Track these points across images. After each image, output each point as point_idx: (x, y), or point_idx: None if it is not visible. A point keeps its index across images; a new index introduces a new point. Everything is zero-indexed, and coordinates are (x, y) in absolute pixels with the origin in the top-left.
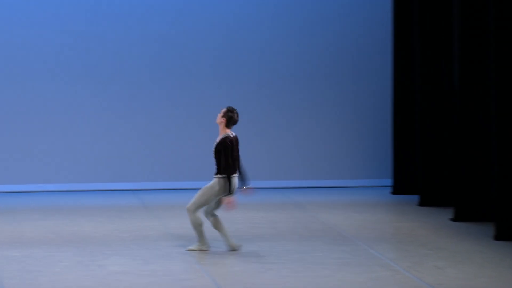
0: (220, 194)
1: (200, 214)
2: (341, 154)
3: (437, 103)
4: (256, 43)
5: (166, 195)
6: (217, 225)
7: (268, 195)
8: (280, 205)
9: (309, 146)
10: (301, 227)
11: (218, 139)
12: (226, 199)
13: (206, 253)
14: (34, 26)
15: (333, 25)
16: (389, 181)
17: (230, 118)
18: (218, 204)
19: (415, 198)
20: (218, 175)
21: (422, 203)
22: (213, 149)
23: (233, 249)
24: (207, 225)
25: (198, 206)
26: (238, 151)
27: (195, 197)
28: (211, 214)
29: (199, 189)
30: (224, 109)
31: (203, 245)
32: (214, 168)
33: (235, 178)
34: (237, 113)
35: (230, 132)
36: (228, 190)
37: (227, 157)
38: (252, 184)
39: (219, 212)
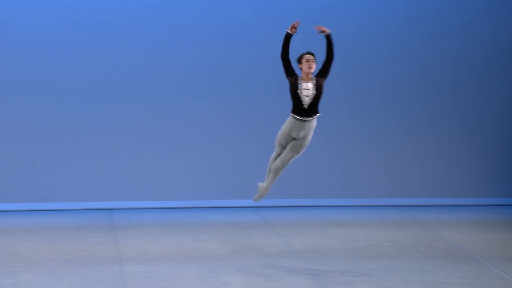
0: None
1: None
2: (465, 171)
3: None
4: (379, 53)
5: (288, 212)
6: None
7: (390, 213)
8: (402, 223)
9: (432, 163)
10: (424, 246)
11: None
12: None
13: (328, 269)
14: (102, 45)
15: (458, 38)
16: None
17: None
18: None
19: None
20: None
21: None
22: (314, 93)
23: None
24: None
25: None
26: None
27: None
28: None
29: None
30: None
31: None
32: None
33: None
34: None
35: None
36: None
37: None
38: (373, 202)
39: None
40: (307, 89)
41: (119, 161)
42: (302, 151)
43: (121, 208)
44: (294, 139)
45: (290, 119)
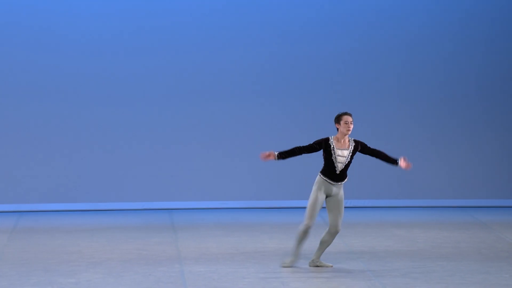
0: None
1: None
2: None
3: None
4: (440, 56)
5: (348, 213)
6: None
7: (451, 214)
8: (463, 224)
9: (494, 164)
10: (486, 247)
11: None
12: None
13: (387, 271)
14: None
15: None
16: None
17: None
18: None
19: None
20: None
21: None
22: (347, 161)
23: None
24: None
25: None
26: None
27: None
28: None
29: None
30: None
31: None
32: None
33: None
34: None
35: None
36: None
37: None
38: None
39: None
40: (342, 156)
41: (180, 162)
42: (343, 209)
43: (182, 208)
44: (326, 197)
45: (320, 181)
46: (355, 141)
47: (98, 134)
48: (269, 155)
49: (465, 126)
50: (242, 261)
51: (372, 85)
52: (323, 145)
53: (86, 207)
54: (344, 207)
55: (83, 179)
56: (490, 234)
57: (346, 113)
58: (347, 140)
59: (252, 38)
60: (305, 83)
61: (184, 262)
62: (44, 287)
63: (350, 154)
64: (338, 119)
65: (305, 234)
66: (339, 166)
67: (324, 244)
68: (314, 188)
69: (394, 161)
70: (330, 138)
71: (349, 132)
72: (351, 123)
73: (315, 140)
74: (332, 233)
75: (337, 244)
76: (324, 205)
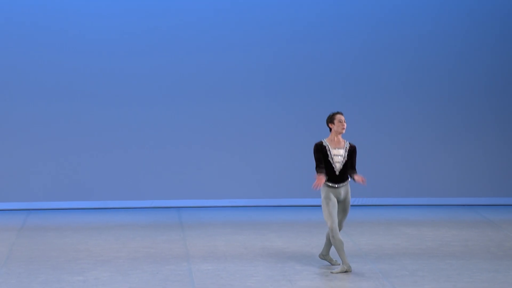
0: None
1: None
2: None
3: None
4: (447, 54)
5: (356, 211)
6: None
7: (460, 212)
8: (471, 222)
9: (502, 162)
10: (494, 246)
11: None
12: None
13: (396, 269)
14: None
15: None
16: None
17: None
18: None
19: None
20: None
21: None
22: (345, 157)
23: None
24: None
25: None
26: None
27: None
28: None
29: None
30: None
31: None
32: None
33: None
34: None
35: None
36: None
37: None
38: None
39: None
40: (338, 155)
41: (188, 160)
42: (349, 209)
43: (190, 207)
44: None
45: (324, 189)
46: (350, 143)
47: (107, 132)
48: (320, 180)
49: (473, 124)
50: (250, 259)
51: (380, 84)
52: (320, 149)
53: (95, 205)
54: (353, 205)
55: (92, 177)
56: (499, 233)
57: (338, 112)
58: (341, 139)
59: (259, 38)
60: (312, 82)
61: (192, 260)
62: (52, 285)
63: (346, 153)
64: (331, 119)
65: (336, 235)
66: (337, 166)
67: (329, 245)
68: (322, 196)
69: (352, 177)
70: (323, 141)
71: (344, 131)
72: (344, 122)
73: (313, 151)
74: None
75: (345, 242)
76: None
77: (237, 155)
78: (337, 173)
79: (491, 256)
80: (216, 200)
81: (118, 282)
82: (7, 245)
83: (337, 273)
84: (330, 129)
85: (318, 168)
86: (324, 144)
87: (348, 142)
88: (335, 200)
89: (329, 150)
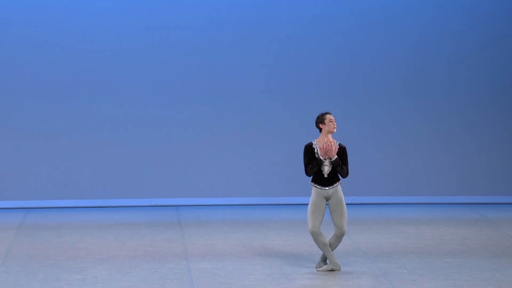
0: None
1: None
2: None
3: None
4: (445, 54)
5: (354, 209)
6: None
7: (458, 211)
8: (470, 221)
9: (501, 160)
10: (493, 244)
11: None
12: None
13: (394, 267)
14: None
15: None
16: None
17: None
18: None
19: None
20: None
21: None
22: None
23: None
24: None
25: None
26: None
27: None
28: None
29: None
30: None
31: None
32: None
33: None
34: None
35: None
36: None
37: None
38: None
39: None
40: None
41: (187, 158)
42: (345, 209)
43: (188, 205)
44: (326, 201)
45: (313, 190)
46: (340, 144)
47: (105, 131)
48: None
49: (472, 123)
50: (249, 257)
51: (379, 83)
52: (308, 151)
53: (93, 204)
54: (351, 204)
55: (91, 176)
56: (497, 231)
57: (327, 112)
58: (331, 140)
59: (259, 37)
60: (311, 81)
61: (190, 259)
62: (51, 283)
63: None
64: (322, 119)
65: (317, 238)
66: (326, 170)
67: (331, 247)
68: (311, 197)
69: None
70: (312, 142)
71: (335, 130)
72: (334, 121)
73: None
74: (338, 236)
75: (344, 240)
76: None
77: (236, 153)
78: (325, 175)
79: (489, 255)
80: (215, 198)
81: (117, 280)
82: (6, 244)
83: (322, 271)
84: (320, 130)
85: (309, 170)
86: (313, 146)
87: (338, 143)
88: (322, 205)
89: (318, 153)
